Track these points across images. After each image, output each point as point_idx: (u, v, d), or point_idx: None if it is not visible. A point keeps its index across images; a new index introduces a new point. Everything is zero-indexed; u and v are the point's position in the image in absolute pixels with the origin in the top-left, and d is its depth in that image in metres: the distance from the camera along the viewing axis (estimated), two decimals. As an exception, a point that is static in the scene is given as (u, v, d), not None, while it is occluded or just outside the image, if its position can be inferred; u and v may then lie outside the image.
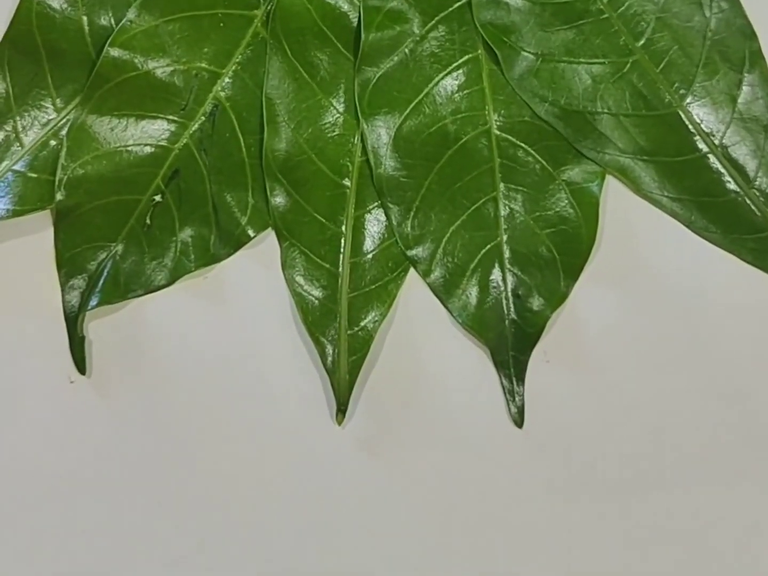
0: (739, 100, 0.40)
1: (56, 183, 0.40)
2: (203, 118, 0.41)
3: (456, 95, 0.41)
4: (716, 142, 0.40)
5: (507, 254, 0.41)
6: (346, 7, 0.42)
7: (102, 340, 0.41)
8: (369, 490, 0.40)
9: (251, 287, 0.41)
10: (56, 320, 0.40)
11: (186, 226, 0.41)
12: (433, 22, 0.41)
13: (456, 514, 0.40)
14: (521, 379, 0.40)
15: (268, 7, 0.42)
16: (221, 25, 0.42)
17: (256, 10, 0.42)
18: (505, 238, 0.41)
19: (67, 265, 0.40)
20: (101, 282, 0.40)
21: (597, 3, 0.41)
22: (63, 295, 0.40)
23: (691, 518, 0.40)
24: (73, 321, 0.40)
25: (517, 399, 0.40)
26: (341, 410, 0.40)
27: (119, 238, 0.41)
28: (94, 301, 0.40)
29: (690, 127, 0.40)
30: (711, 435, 0.40)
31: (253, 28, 0.42)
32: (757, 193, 0.40)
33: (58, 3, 0.42)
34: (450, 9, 0.42)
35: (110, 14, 0.42)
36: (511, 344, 0.40)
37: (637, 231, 0.41)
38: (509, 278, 0.40)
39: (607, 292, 0.41)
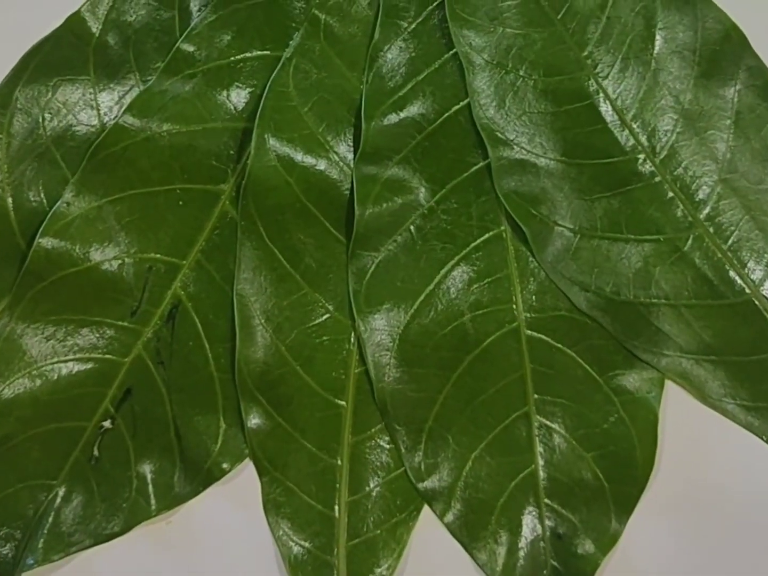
0: (829, 281, 0.35)
1: (-20, 412, 0.35)
2: (160, 322, 0.36)
3: (475, 285, 0.36)
4: (802, 335, 0.35)
5: (544, 484, 0.35)
6: (335, 175, 0.36)
7: (43, 606, 0.35)
8: None
9: (226, 533, 0.36)
10: (-15, 581, 0.35)
11: (143, 458, 0.36)
12: (444, 191, 0.37)
13: None
14: (567, 644, 0.34)
15: (238, 181, 0.37)
16: (180, 203, 0.37)
17: (223, 184, 0.37)
18: (541, 464, 0.35)
19: (-3, 510, 0.35)
20: (40, 532, 0.35)
21: (647, 163, 0.35)
22: (-7, 550, 0.35)
23: None
24: (7, 583, 0.35)
25: None
26: None
27: (61, 476, 0.36)
28: (31, 559, 0.36)
29: (768, 317, 0.35)
30: None
31: (220, 206, 0.37)
32: None
33: (-24, 182, 0.37)
34: (465, 174, 0.37)
35: (42, 194, 0.37)
36: (552, 599, 0.34)
37: (703, 449, 0.36)
38: (547, 515, 0.35)
39: (669, 526, 0.35)
